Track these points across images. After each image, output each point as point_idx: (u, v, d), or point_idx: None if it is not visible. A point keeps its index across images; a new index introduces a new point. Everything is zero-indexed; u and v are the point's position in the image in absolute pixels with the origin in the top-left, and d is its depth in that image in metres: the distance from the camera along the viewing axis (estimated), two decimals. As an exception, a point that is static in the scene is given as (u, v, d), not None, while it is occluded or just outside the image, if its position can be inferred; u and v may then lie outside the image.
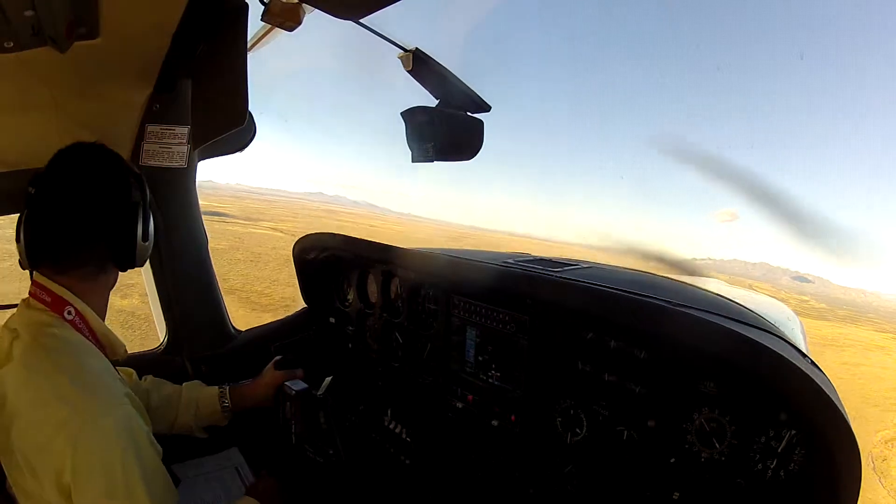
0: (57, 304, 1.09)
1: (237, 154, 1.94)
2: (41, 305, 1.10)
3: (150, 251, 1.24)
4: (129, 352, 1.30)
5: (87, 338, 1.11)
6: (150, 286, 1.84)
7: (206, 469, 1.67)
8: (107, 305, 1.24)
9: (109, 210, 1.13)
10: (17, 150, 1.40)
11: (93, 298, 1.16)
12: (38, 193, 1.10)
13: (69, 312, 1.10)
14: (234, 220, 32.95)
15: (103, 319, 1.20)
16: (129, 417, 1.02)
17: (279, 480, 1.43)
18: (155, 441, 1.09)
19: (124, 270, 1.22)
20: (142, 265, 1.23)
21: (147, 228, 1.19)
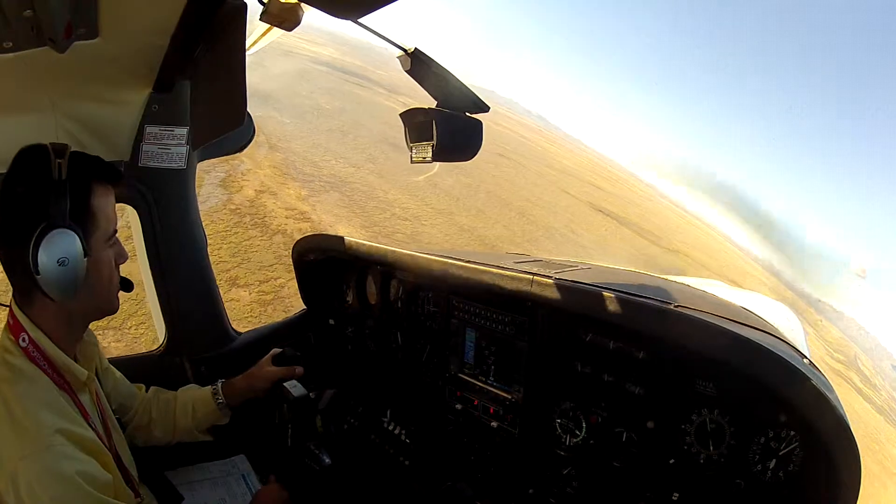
0: (15, 329, 1.05)
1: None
2: (7, 328, 1.06)
3: (72, 278, 0.99)
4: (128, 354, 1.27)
5: (40, 367, 1.04)
6: (150, 287, 1.84)
7: (212, 474, 1.66)
8: (72, 330, 1.13)
9: (14, 227, 0.99)
10: (16, 151, 1.40)
11: (47, 324, 1.07)
12: None
13: (23, 340, 1.04)
14: (373, 88, 28.23)
15: (69, 346, 1.12)
16: (59, 459, 0.96)
17: (286, 487, 1.42)
18: (100, 472, 1.02)
19: (51, 298, 1.00)
20: (59, 297, 1.00)
21: (53, 249, 0.95)
